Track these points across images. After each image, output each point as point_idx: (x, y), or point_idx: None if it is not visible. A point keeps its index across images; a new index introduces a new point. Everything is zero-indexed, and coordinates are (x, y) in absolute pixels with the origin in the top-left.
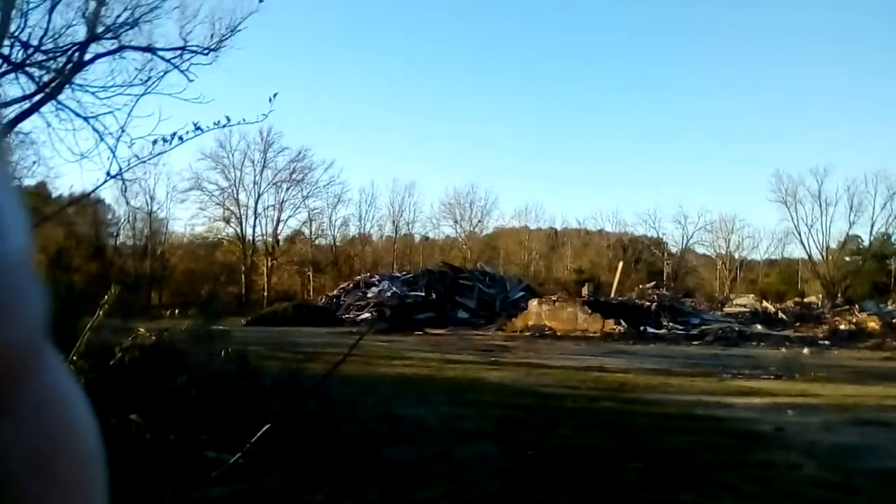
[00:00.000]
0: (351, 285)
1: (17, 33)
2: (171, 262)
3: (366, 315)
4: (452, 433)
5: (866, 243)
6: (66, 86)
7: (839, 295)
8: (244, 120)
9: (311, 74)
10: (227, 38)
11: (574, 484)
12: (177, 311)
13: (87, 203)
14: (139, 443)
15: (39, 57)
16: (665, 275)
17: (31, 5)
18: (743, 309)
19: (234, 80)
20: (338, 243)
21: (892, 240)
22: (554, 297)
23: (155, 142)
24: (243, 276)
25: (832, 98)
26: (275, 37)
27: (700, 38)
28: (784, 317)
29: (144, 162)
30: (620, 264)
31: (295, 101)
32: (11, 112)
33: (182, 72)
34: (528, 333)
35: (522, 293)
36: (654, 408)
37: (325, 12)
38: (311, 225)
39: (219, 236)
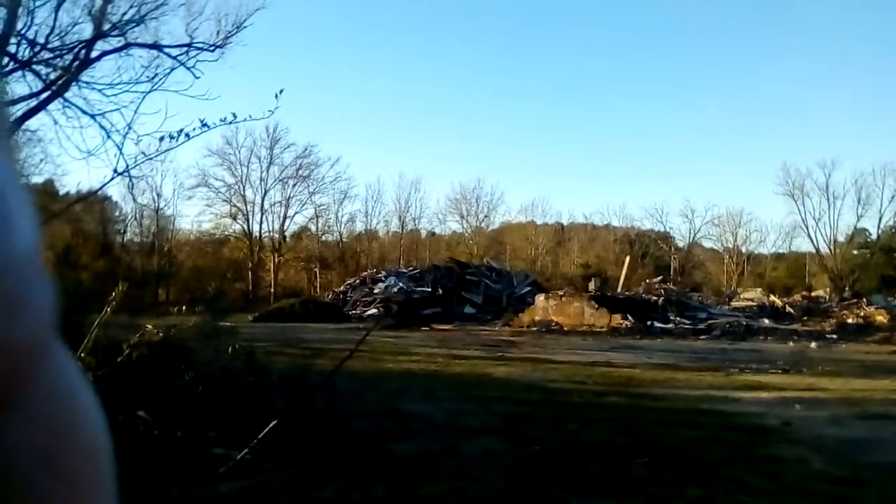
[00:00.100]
0: (357, 281)
1: (23, 31)
2: (178, 258)
3: (372, 311)
4: (459, 429)
5: (874, 236)
6: (73, 83)
7: (847, 289)
8: (250, 116)
9: (317, 70)
10: (233, 35)
11: (581, 479)
12: (184, 307)
13: (94, 200)
14: (147, 439)
15: (46, 55)
16: (672, 269)
17: (38, 3)
18: (750, 303)
19: (241, 77)
20: (344, 239)
21: None
22: (561, 292)
23: (162, 139)
24: (250, 273)
25: (839, 91)
26: (281, 33)
27: (706, 32)
28: (791, 311)
29: (151, 159)
30: (627, 259)
31: (301, 98)
32: (18, 110)
33: (188, 69)
34: (534, 328)
35: (529, 288)
36: (662, 402)
37: (331, 8)
38: (317, 221)
39: (226, 233)
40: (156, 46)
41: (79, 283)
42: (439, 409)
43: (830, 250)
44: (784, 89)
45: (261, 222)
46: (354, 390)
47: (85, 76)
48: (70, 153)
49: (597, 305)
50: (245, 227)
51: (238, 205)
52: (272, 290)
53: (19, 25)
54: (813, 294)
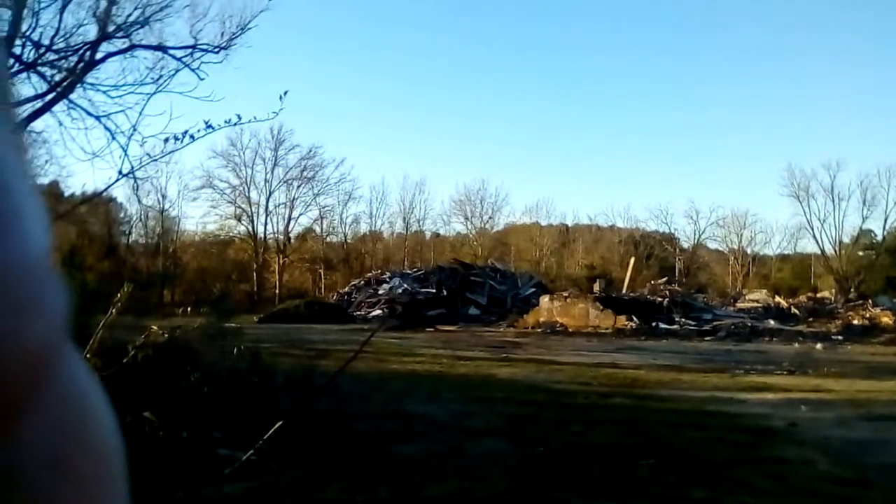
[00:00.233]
0: (362, 282)
1: (28, 33)
2: (183, 260)
3: (377, 312)
4: (463, 430)
5: (880, 238)
6: (78, 85)
7: (852, 290)
8: (255, 118)
9: (322, 72)
10: (237, 37)
11: (585, 480)
12: (189, 308)
13: (99, 202)
14: (152, 440)
15: (51, 56)
16: (677, 270)
17: (43, 5)
18: (755, 304)
19: (245, 79)
20: (349, 240)
21: None
22: (565, 294)
23: (166, 140)
24: (255, 274)
25: (845, 92)
26: (285, 35)
27: (711, 32)
28: (797, 312)
29: (156, 160)
30: (632, 260)
31: (306, 99)
32: (24, 111)
33: (193, 70)
34: (539, 330)
35: (534, 289)
36: (667, 404)
37: (336, 9)
38: (322, 222)
39: (230, 234)
40: (160, 48)
41: (84, 284)
42: (444, 410)
43: (836, 251)
44: (787, 89)
45: (265, 223)
46: (359, 391)
47: (90, 78)
48: (75, 155)
49: (601, 307)
50: (250, 228)
51: (243, 206)
52: (277, 291)
53: (24, 27)
54: (818, 295)
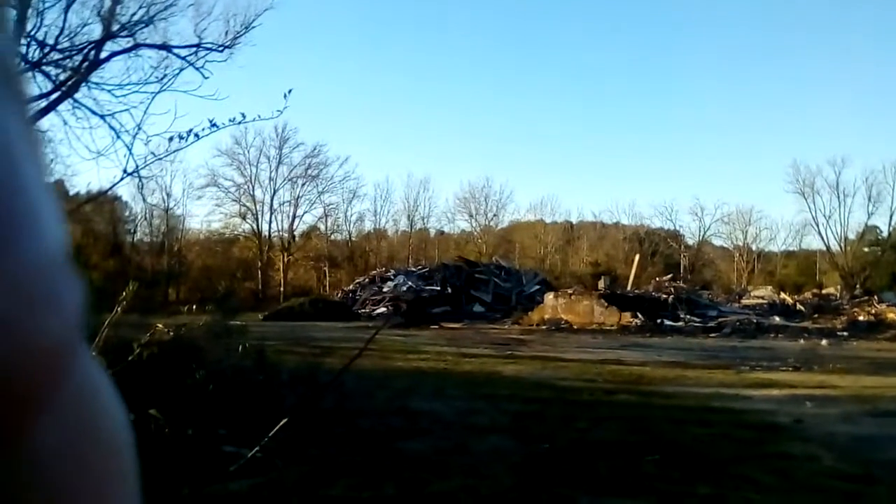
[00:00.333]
0: (367, 280)
1: (33, 32)
2: (188, 258)
3: (382, 309)
4: (468, 427)
5: (885, 234)
6: (83, 84)
7: (858, 286)
8: (259, 116)
9: (326, 70)
10: (241, 35)
11: (591, 477)
12: (194, 306)
13: (104, 200)
14: (158, 438)
15: (56, 56)
16: (682, 267)
17: (47, 4)
18: (761, 301)
19: (250, 77)
20: (353, 238)
21: None
22: (570, 291)
23: (171, 139)
24: (260, 272)
25: (847, 90)
26: (289, 33)
27: (716, 29)
28: (802, 308)
29: (161, 159)
30: (637, 257)
31: (310, 98)
32: (29, 111)
33: (197, 69)
34: (544, 327)
35: (538, 287)
36: (672, 400)
37: (340, 7)
38: (326, 220)
39: (235, 232)
40: (165, 47)
41: (89, 282)
42: (449, 407)
43: (841, 248)
44: (789, 87)
45: (270, 222)
46: (364, 388)
47: (94, 77)
48: (80, 153)
49: (606, 304)
50: (254, 226)
51: (247, 204)
52: (282, 289)
53: (29, 26)
54: (824, 292)
